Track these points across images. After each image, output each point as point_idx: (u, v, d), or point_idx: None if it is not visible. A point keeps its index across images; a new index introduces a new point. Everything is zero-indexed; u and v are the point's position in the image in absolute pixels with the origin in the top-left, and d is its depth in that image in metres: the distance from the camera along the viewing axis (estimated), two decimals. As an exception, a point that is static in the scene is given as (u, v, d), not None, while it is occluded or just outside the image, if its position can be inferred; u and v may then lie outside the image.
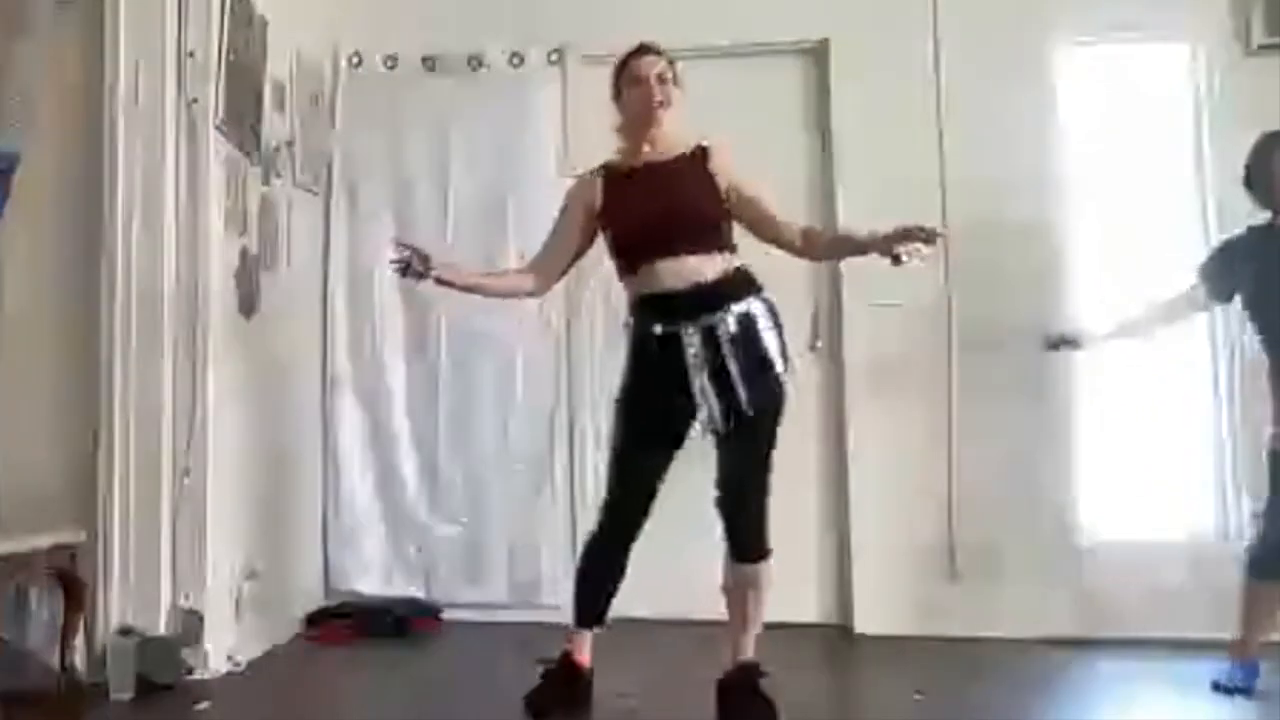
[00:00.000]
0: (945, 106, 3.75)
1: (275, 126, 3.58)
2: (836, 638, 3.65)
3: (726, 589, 2.68)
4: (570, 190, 2.85)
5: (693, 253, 2.55)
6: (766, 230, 2.66)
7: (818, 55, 3.91)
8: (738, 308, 2.54)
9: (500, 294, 2.96)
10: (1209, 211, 3.64)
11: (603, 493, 2.72)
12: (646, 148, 2.69)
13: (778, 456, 3.64)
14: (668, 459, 2.64)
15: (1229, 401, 3.59)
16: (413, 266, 2.56)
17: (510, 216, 3.93)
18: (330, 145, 4.03)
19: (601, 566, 2.73)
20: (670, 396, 2.54)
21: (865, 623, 3.63)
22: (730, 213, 2.65)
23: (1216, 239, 3.56)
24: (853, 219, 3.77)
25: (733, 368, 2.50)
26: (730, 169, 2.66)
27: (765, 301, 2.60)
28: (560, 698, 2.67)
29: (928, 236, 2.34)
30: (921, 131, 3.75)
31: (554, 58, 3.96)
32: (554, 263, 2.80)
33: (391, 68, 4.07)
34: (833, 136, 3.84)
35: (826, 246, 2.80)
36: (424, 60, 4.04)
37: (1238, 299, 3.06)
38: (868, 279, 3.75)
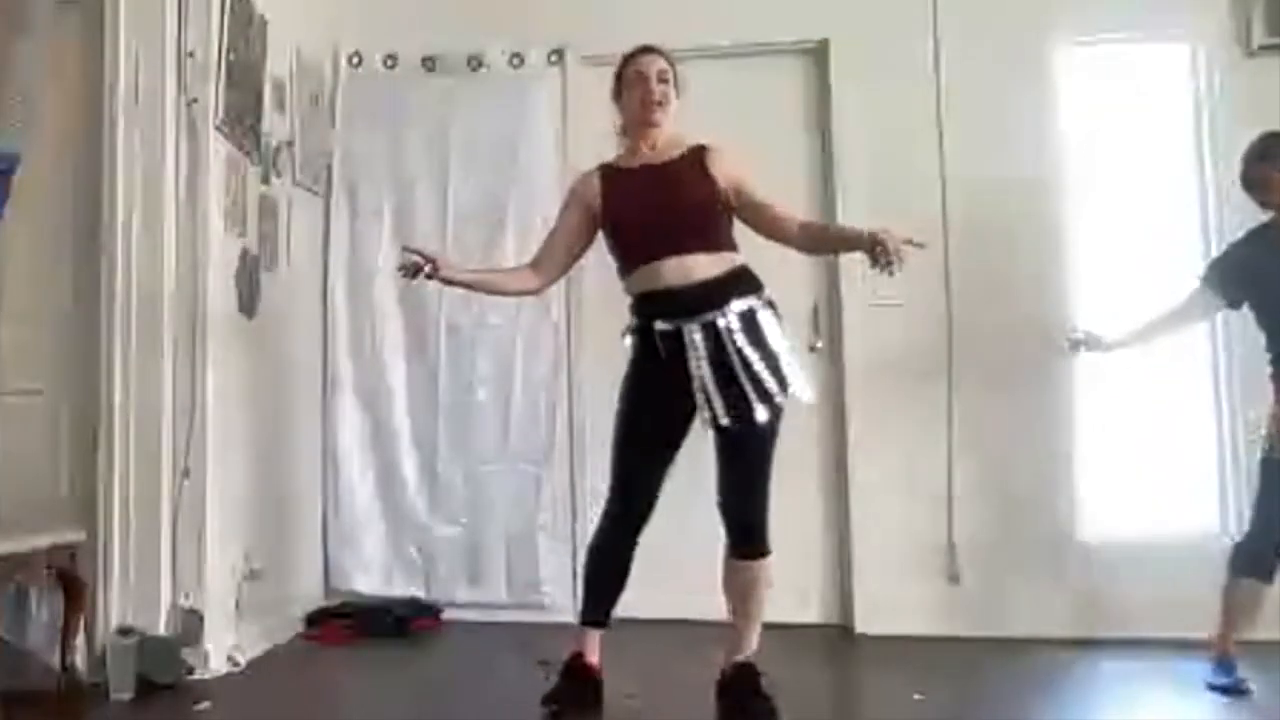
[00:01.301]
0: (945, 106, 3.75)
1: (275, 126, 3.58)
2: (836, 638, 3.65)
3: (726, 588, 2.68)
4: (570, 189, 2.85)
5: (693, 250, 2.56)
6: (769, 227, 2.67)
7: (818, 55, 3.91)
8: (740, 305, 2.54)
9: (502, 292, 2.95)
10: (1209, 211, 3.65)
11: (605, 493, 2.72)
12: (646, 148, 2.71)
13: (778, 454, 3.65)
14: (668, 459, 2.65)
15: (1229, 401, 3.59)
16: (421, 270, 2.59)
17: (510, 216, 3.93)
18: (330, 145, 4.03)
19: (606, 567, 2.72)
20: (671, 395, 2.55)
21: (865, 623, 3.64)
22: (730, 210, 2.65)
23: (1216, 238, 3.58)
24: (853, 219, 3.76)
25: (736, 363, 2.50)
26: (730, 170, 2.66)
27: (768, 301, 2.61)
28: (577, 698, 2.65)
29: (895, 254, 2.41)
30: (921, 131, 3.75)
31: (554, 58, 3.96)
32: (554, 260, 2.80)
33: (391, 68, 4.07)
34: (833, 136, 3.85)
35: (815, 238, 2.77)
36: (424, 60, 4.04)
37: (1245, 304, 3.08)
38: (868, 279, 3.76)
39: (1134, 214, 3.73)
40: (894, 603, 3.61)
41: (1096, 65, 3.80)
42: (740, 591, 2.66)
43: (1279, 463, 2.90)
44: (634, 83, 2.69)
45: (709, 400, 2.50)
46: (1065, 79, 3.77)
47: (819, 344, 3.86)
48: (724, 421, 2.50)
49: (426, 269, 2.59)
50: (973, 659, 3.26)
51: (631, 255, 2.64)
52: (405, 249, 2.69)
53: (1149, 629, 3.38)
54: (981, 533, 3.62)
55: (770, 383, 2.52)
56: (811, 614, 3.76)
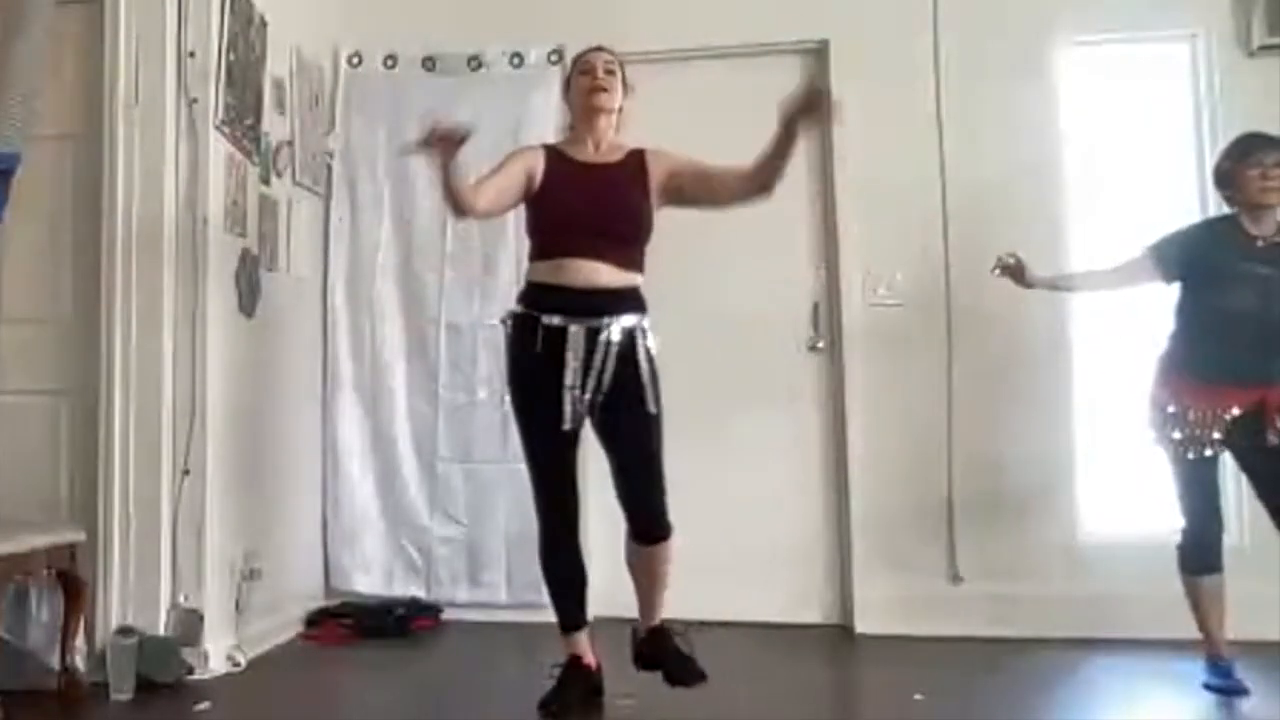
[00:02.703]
0: (945, 106, 3.75)
1: (275, 126, 3.58)
2: (836, 638, 3.65)
3: (630, 564, 2.70)
4: (514, 151, 2.80)
5: (606, 259, 2.58)
6: (722, 184, 2.67)
7: (818, 55, 3.91)
8: (626, 321, 2.58)
9: (457, 194, 2.59)
10: (1209, 211, 3.63)
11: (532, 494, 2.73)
12: (590, 145, 2.73)
13: (778, 455, 3.66)
14: (570, 444, 2.64)
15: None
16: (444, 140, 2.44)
17: (510, 216, 3.91)
18: (330, 145, 4.03)
19: (557, 567, 2.74)
20: (552, 386, 2.57)
21: (865, 623, 3.63)
22: (651, 224, 2.68)
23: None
24: (853, 219, 3.78)
25: (604, 375, 2.55)
26: (663, 163, 2.71)
27: (645, 329, 2.63)
28: (574, 700, 2.66)
29: (811, 97, 2.42)
30: (921, 131, 3.75)
31: (554, 58, 3.96)
32: (490, 189, 2.66)
33: (391, 68, 4.07)
34: (833, 136, 3.84)
35: (760, 165, 2.61)
36: (424, 60, 4.04)
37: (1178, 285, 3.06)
38: (868, 279, 3.77)
39: (1134, 214, 3.73)
40: (894, 603, 3.60)
41: (1096, 65, 3.80)
42: (645, 567, 2.68)
43: (1213, 458, 2.91)
44: (580, 73, 2.73)
45: (569, 400, 2.55)
46: (1065, 78, 3.77)
47: (819, 344, 3.86)
48: (569, 424, 2.55)
49: (452, 138, 2.43)
50: (973, 659, 3.26)
51: (547, 243, 2.65)
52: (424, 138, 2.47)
53: (1149, 629, 3.37)
54: (981, 533, 3.62)
55: (639, 401, 2.57)
56: (811, 614, 3.76)
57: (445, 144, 2.43)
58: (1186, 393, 2.92)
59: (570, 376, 2.55)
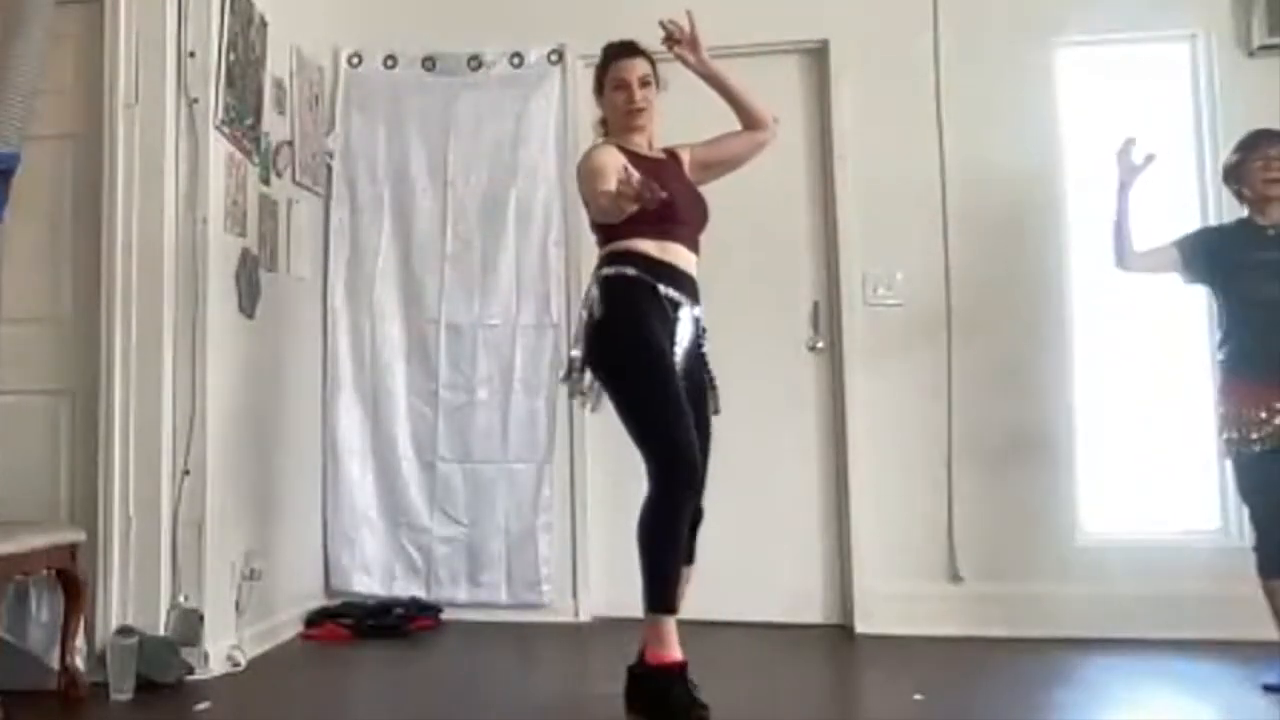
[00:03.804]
0: (945, 106, 3.75)
1: (275, 126, 3.58)
2: (836, 638, 3.65)
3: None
4: (598, 153, 2.67)
5: (691, 247, 2.70)
6: (737, 146, 2.86)
7: (818, 55, 3.91)
8: (700, 310, 2.72)
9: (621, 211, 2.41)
10: (1209, 211, 3.64)
11: (658, 449, 2.51)
12: (645, 143, 2.77)
13: (778, 455, 3.67)
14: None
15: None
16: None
17: (510, 216, 3.93)
18: (330, 145, 4.03)
19: (682, 529, 2.53)
20: (669, 349, 2.61)
21: (865, 623, 3.63)
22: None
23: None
24: (853, 219, 3.78)
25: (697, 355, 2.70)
26: (688, 153, 2.84)
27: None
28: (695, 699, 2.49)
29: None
30: (921, 131, 3.75)
31: (554, 58, 3.96)
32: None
33: (391, 68, 4.07)
34: (833, 136, 3.84)
35: (737, 114, 2.85)
36: (424, 60, 4.04)
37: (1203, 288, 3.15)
38: (867, 279, 3.77)
39: (1134, 214, 3.72)
40: (894, 603, 3.60)
41: (1096, 65, 3.80)
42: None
43: (1270, 455, 2.88)
44: (616, 88, 2.74)
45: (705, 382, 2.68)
46: (1065, 79, 3.77)
47: (819, 344, 3.86)
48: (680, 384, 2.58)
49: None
50: (973, 659, 3.26)
51: (650, 229, 2.59)
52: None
53: (1149, 629, 3.38)
54: (981, 533, 3.62)
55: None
56: (811, 614, 3.76)
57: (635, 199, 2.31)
58: (1236, 393, 2.95)
59: (679, 346, 2.62)
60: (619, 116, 2.74)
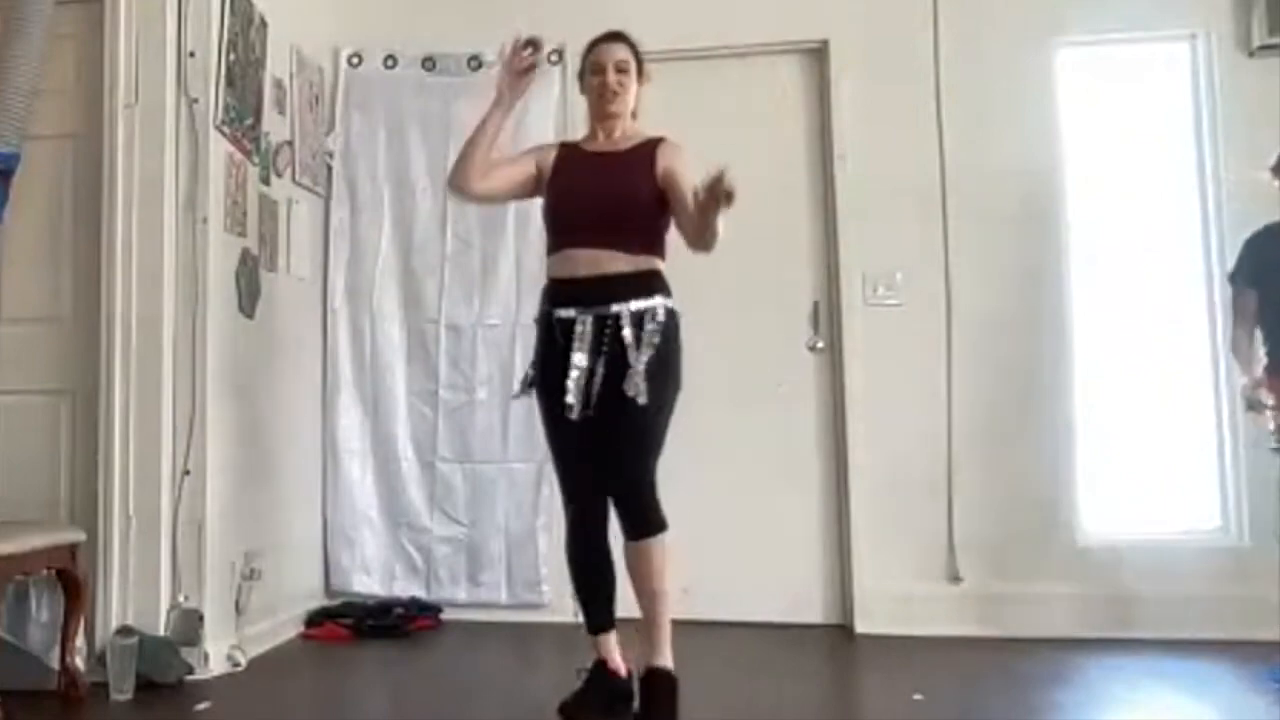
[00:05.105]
0: (945, 106, 3.75)
1: (275, 126, 3.58)
2: (836, 638, 3.65)
3: (629, 570, 2.56)
4: (535, 146, 2.90)
5: (612, 246, 2.54)
6: (681, 220, 2.54)
7: (818, 55, 3.91)
8: (638, 304, 2.51)
9: (473, 150, 2.66)
10: (1209, 211, 3.65)
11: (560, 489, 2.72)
12: (603, 136, 2.73)
13: (778, 455, 3.65)
14: (580, 432, 2.55)
15: (1230, 400, 3.58)
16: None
17: (510, 216, 3.92)
18: (330, 145, 4.03)
19: (583, 562, 2.68)
20: (560, 376, 2.52)
21: (865, 623, 3.63)
22: (666, 209, 2.59)
23: (1216, 238, 3.60)
24: (853, 219, 3.78)
25: (597, 360, 2.48)
26: (671, 160, 2.62)
27: (669, 309, 2.56)
28: (596, 705, 2.58)
29: (715, 186, 2.25)
30: (921, 131, 3.75)
31: (554, 58, 3.95)
32: (495, 170, 2.69)
33: (391, 68, 4.07)
34: (833, 136, 3.84)
35: (695, 224, 2.47)
36: (424, 60, 4.04)
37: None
38: (867, 279, 3.77)
39: (1134, 214, 3.73)
40: (894, 603, 3.60)
41: (1096, 65, 3.80)
42: (637, 574, 2.53)
43: None
44: (593, 72, 2.72)
45: (572, 387, 2.48)
46: (1065, 78, 3.77)
47: (819, 344, 3.85)
48: (574, 414, 2.49)
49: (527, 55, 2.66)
50: (973, 659, 3.26)
51: (556, 236, 2.65)
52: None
53: (1149, 629, 3.38)
54: (981, 533, 3.62)
55: (639, 370, 2.46)
56: (811, 614, 3.75)
57: (518, 64, 2.56)
58: (1274, 388, 2.97)
59: (577, 365, 2.49)
60: (593, 102, 2.73)
